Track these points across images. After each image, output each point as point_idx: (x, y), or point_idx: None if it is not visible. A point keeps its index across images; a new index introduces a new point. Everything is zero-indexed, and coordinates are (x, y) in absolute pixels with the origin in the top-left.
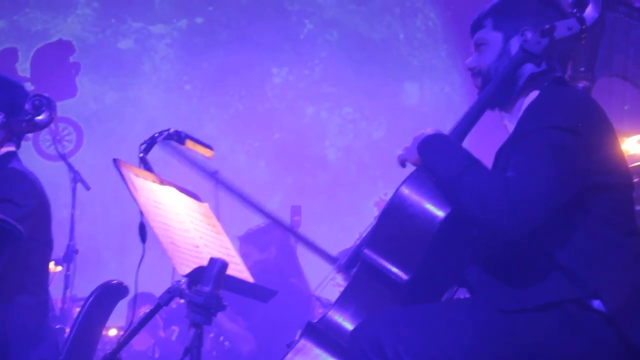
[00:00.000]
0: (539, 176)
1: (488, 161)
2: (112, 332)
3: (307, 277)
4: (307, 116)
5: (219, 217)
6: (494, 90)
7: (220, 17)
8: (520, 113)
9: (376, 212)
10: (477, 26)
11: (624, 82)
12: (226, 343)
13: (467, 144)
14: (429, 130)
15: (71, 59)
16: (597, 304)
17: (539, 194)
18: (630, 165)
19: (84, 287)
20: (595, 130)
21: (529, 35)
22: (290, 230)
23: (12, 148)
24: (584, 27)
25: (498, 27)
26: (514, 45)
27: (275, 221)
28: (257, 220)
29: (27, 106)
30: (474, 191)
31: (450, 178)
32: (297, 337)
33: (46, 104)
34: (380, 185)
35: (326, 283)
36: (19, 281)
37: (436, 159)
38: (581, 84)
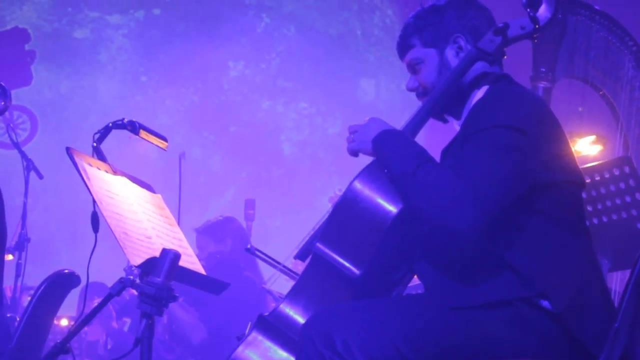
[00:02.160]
0: (488, 176)
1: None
2: (64, 322)
3: (261, 270)
4: (262, 110)
5: (181, 208)
6: (441, 93)
7: (178, 8)
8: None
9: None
10: (404, 48)
11: (583, 84)
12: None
13: (419, 140)
14: (376, 121)
15: (27, 47)
16: (545, 303)
17: (487, 194)
18: (582, 166)
19: (36, 276)
20: (542, 128)
21: (461, 41)
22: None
23: None
24: (537, 26)
25: (427, 43)
26: (450, 54)
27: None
28: (215, 214)
29: None
30: (425, 190)
31: (403, 175)
32: (247, 330)
33: (0, 92)
34: (334, 181)
35: (278, 276)
36: None
37: (390, 155)
38: (541, 85)
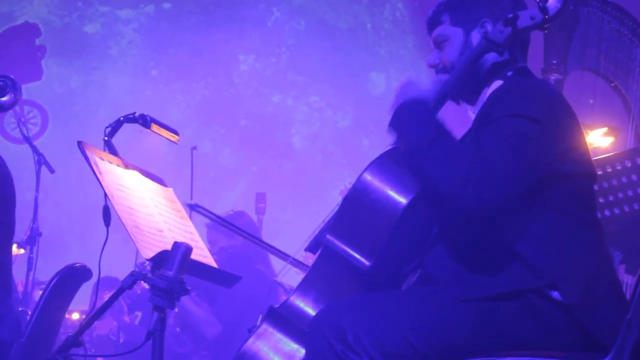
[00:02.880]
0: (505, 160)
1: None
2: (75, 316)
3: (272, 263)
4: (273, 104)
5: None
6: (456, 80)
7: (188, 3)
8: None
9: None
10: (434, 23)
11: (595, 76)
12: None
13: None
14: (405, 87)
15: (37, 42)
16: (555, 294)
17: (504, 177)
18: (594, 158)
19: (47, 270)
20: (558, 120)
21: (489, 27)
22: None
23: None
24: (546, 17)
25: (456, 21)
26: (475, 38)
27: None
28: (226, 208)
29: None
30: (441, 165)
31: (419, 148)
32: (258, 322)
33: (10, 86)
34: (345, 174)
35: (289, 269)
36: None
37: (406, 128)
38: (553, 77)
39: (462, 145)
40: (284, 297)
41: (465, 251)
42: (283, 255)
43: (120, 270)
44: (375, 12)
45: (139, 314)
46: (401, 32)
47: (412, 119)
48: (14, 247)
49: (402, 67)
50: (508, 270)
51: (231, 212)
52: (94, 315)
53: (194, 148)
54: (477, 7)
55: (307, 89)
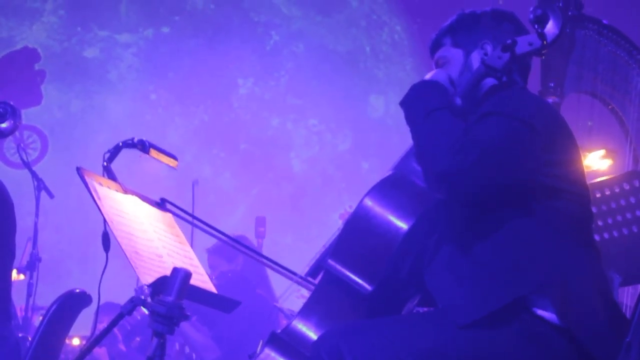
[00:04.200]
0: (494, 145)
1: None
2: (76, 341)
3: (273, 287)
4: (272, 127)
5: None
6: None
7: (187, 27)
8: None
9: (341, 225)
10: (436, 45)
11: (592, 99)
12: (193, 355)
13: None
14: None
15: (36, 67)
16: (551, 316)
17: (488, 156)
18: (592, 181)
19: (47, 296)
20: (554, 133)
21: (489, 48)
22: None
23: None
24: (544, 42)
25: (457, 43)
26: (475, 59)
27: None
28: (226, 232)
29: None
30: (432, 135)
31: (416, 117)
32: (259, 348)
33: (10, 112)
34: (345, 197)
35: (289, 294)
36: None
37: (410, 101)
38: (550, 100)
39: (458, 121)
40: (284, 322)
41: (456, 266)
42: (289, 273)
43: (120, 295)
44: (374, 35)
45: (138, 339)
46: (400, 55)
47: (417, 93)
48: (14, 272)
49: (401, 90)
50: (497, 280)
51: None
52: (95, 340)
53: (196, 182)
54: (478, 30)
55: (306, 112)
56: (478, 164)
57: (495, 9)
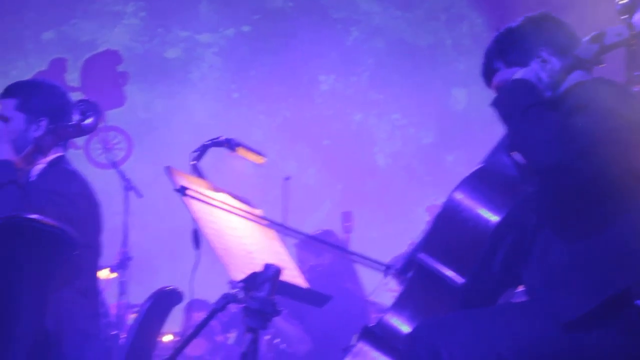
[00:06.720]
0: (596, 138)
1: None
2: (167, 338)
3: (362, 282)
4: (355, 123)
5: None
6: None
7: (267, 25)
8: None
9: (428, 218)
10: (489, 73)
11: None
12: (282, 345)
13: None
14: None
15: (118, 69)
16: None
17: (592, 150)
18: None
19: (138, 294)
20: None
21: (544, 53)
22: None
23: (60, 153)
24: (633, 32)
25: (511, 63)
26: (538, 69)
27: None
28: (313, 228)
29: (74, 112)
30: (533, 131)
31: (512, 115)
32: (353, 341)
33: (92, 109)
34: (429, 191)
35: (380, 288)
36: (66, 282)
37: (504, 100)
38: (636, 88)
39: (554, 114)
40: (374, 316)
41: (557, 260)
42: (379, 265)
43: (210, 291)
44: (454, 28)
45: (234, 332)
46: (480, 47)
47: (512, 91)
48: (107, 271)
49: (483, 82)
50: (601, 272)
51: (319, 232)
52: (189, 337)
53: (287, 178)
54: (525, 40)
55: (389, 107)
56: (582, 157)
57: (526, 15)
